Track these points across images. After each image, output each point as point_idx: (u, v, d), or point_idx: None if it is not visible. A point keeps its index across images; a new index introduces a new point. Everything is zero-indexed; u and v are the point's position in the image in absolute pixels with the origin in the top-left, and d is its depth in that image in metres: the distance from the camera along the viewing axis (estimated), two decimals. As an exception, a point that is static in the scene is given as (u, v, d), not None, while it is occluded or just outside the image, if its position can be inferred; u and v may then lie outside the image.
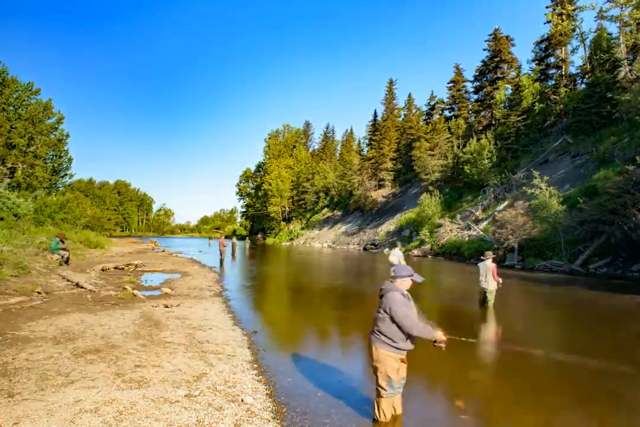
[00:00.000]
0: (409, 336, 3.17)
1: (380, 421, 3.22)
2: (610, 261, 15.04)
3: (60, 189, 33.94)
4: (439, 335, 3.20)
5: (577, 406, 3.79)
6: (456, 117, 41.08)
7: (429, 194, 31.80)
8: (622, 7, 26.20)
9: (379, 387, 3.22)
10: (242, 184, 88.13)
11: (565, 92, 30.97)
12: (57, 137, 31.97)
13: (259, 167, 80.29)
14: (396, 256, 10.70)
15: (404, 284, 3.28)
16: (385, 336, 3.17)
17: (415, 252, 26.74)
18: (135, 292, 8.71)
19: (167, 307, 7.43)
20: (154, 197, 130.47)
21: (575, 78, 32.70)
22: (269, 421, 3.20)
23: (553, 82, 33.75)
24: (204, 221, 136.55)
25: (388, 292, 3.21)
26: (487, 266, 7.94)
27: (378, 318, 3.22)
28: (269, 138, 74.43)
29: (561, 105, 30.18)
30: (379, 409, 3.24)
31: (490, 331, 6.99)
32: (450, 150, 35.28)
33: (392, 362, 3.17)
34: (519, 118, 30.22)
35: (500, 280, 7.95)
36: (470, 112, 41.85)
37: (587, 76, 29.65)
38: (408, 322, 3.08)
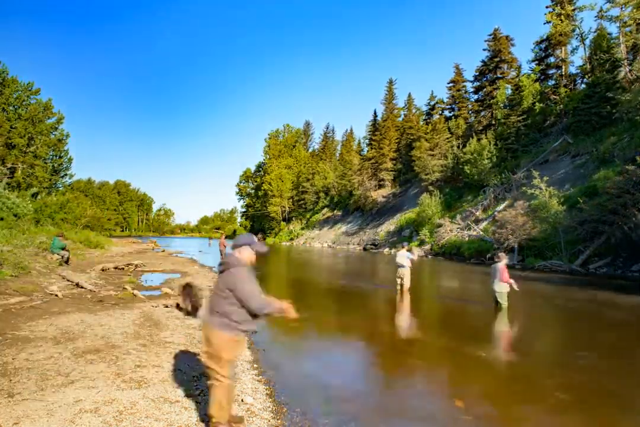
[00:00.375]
0: (255, 316, 2.81)
1: (218, 414, 2.80)
2: (610, 261, 15.04)
3: (60, 189, 33.95)
4: (285, 307, 2.83)
5: (577, 407, 3.78)
6: (456, 117, 41.13)
7: (429, 194, 31.81)
8: (622, 7, 26.20)
9: (218, 376, 2.77)
10: (242, 184, 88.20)
11: (565, 92, 30.97)
12: (57, 137, 31.97)
13: (259, 167, 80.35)
14: (404, 256, 9.89)
15: (246, 255, 2.89)
16: (230, 318, 2.75)
17: (416, 252, 26.77)
18: (135, 292, 8.70)
19: (167, 307, 7.43)
20: (154, 197, 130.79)
21: (575, 78, 32.72)
22: (269, 421, 3.20)
23: (553, 82, 33.77)
24: (204, 221, 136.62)
25: (231, 268, 2.80)
26: (497, 267, 7.90)
27: (219, 297, 2.78)
28: (269, 138, 74.50)
29: (561, 105, 30.19)
30: (215, 401, 2.79)
31: (492, 331, 6.99)
32: (450, 151, 35.29)
33: (235, 347, 2.82)
34: (519, 118, 30.23)
35: (513, 282, 7.74)
36: (470, 112, 41.88)
37: (587, 76, 29.66)
38: (256, 301, 2.71)
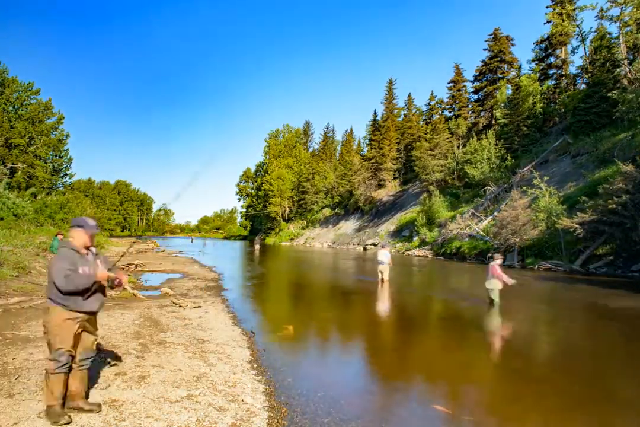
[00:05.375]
0: (80, 295, 2.77)
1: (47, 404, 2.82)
2: (610, 261, 15.03)
3: (60, 189, 33.96)
4: (101, 273, 2.80)
5: (576, 407, 3.78)
6: (456, 117, 41.11)
7: (429, 194, 31.79)
8: (622, 7, 26.20)
9: (47, 360, 2.81)
10: (242, 184, 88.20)
11: (566, 91, 30.97)
12: (57, 137, 31.99)
13: (259, 167, 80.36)
14: (385, 255, 11.68)
15: (78, 237, 2.87)
16: (54, 301, 2.77)
17: (416, 252, 26.74)
18: (135, 292, 8.72)
19: (167, 307, 7.43)
20: (154, 197, 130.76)
21: (575, 78, 32.71)
22: (269, 420, 3.20)
23: (553, 82, 33.79)
24: (204, 221, 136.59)
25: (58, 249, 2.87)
26: (489, 266, 8.36)
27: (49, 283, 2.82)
28: (269, 138, 74.48)
29: (561, 105, 30.19)
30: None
31: (489, 330, 6.98)
32: (450, 151, 35.28)
33: (62, 327, 2.74)
34: (519, 118, 30.23)
35: (506, 278, 8.04)
36: (470, 112, 41.89)
37: (587, 76, 29.67)
38: (58, 279, 2.68)
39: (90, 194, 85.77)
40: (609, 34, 28.15)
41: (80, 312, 2.80)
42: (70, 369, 2.85)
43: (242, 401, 3.51)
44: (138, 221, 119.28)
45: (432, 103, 47.05)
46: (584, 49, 31.74)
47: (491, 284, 8.16)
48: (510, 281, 8.08)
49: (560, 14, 31.49)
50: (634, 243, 14.15)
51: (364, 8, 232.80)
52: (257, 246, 28.03)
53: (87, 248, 2.93)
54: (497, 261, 8.34)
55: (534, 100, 30.63)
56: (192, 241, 56.52)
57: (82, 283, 2.73)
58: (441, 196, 31.62)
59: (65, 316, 2.75)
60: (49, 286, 2.80)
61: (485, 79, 39.32)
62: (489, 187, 28.03)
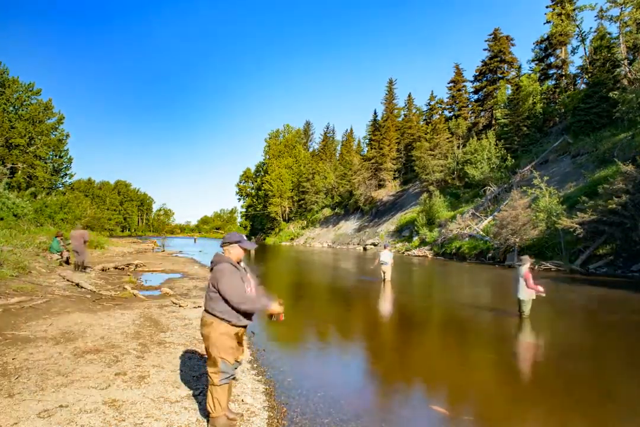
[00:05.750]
0: (245, 313, 2.84)
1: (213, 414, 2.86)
2: (610, 261, 15.03)
3: (61, 189, 33.94)
4: (273, 307, 2.88)
5: (576, 407, 3.78)
6: (456, 117, 41.10)
7: (429, 194, 31.79)
8: (621, 7, 26.20)
9: (211, 373, 2.84)
10: (242, 184, 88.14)
11: (566, 91, 30.96)
12: (57, 137, 31.97)
13: (259, 167, 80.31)
14: (386, 255, 11.68)
15: (234, 252, 2.93)
16: (218, 316, 2.80)
17: (416, 252, 26.72)
18: (135, 292, 8.71)
19: (167, 307, 7.43)
20: (154, 197, 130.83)
21: (575, 78, 32.71)
22: (269, 420, 3.20)
23: (553, 82, 33.79)
24: (204, 220, 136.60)
25: (216, 265, 2.87)
26: (519, 272, 7.16)
27: (209, 297, 2.86)
28: (269, 138, 74.44)
29: (561, 105, 30.19)
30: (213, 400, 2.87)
31: (488, 331, 6.98)
32: (450, 151, 35.27)
33: (224, 341, 2.83)
34: (519, 118, 30.22)
35: (540, 288, 6.92)
36: (470, 112, 41.89)
37: (587, 76, 29.66)
38: (234, 296, 2.73)
39: (90, 194, 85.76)
40: (609, 34, 28.12)
41: (239, 326, 2.90)
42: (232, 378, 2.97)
43: (242, 400, 3.51)
44: (138, 221, 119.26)
45: (432, 103, 47.05)
46: (584, 49, 31.76)
47: (525, 294, 7.03)
48: (543, 292, 6.99)
49: (560, 14, 31.48)
50: (634, 243, 14.14)
51: (364, 8, 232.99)
52: None
53: (238, 262, 2.98)
54: (528, 265, 7.15)
55: (534, 100, 30.60)
56: (195, 241, 59.30)
57: (256, 309, 2.83)
58: (441, 196, 31.61)
59: (230, 330, 2.85)
60: (211, 300, 2.84)
61: (485, 79, 39.32)
62: (489, 187, 28.01)
